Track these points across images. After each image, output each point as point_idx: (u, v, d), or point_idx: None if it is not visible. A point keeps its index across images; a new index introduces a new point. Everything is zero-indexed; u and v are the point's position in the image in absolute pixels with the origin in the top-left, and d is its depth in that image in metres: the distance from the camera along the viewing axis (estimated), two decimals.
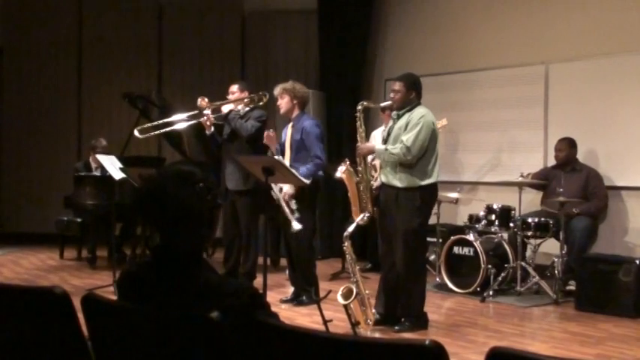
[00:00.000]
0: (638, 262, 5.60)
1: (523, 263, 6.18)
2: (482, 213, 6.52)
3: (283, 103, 5.82)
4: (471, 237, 6.36)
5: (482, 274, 6.18)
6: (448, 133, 7.74)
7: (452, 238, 6.53)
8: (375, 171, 6.37)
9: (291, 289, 6.03)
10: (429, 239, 6.55)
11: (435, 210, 6.33)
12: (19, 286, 2.35)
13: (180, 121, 6.34)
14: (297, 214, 5.06)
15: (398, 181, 4.98)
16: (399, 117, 5.09)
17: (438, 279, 6.67)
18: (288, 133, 5.85)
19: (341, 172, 5.12)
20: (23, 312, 2.13)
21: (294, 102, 5.82)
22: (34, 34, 9.93)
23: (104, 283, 6.30)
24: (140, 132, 6.30)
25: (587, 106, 6.96)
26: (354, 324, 4.63)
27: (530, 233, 6.27)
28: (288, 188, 5.55)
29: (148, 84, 9.59)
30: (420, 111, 5.00)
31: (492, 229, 6.46)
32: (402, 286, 5.01)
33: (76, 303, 2.01)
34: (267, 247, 7.03)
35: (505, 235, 6.52)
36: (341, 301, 4.60)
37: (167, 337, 1.87)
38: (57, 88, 9.98)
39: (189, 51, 9.83)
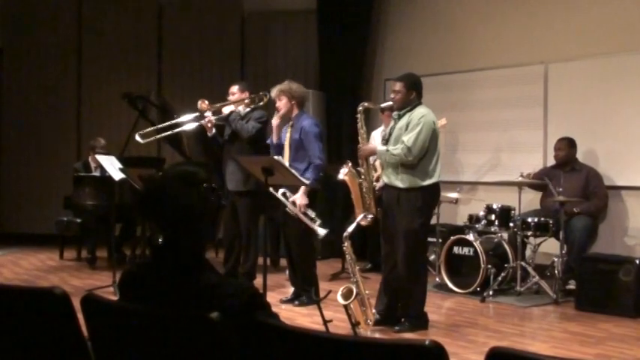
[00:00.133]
0: (638, 261, 5.60)
1: (523, 263, 6.18)
2: (482, 213, 6.52)
3: (282, 104, 5.82)
4: (470, 237, 6.37)
5: (482, 274, 6.18)
6: (448, 133, 7.75)
7: (452, 238, 6.53)
8: (375, 171, 6.37)
9: (291, 290, 6.04)
10: (429, 239, 6.56)
11: (434, 210, 6.33)
12: (19, 286, 2.35)
13: (181, 124, 6.32)
14: (318, 221, 5.03)
15: (400, 181, 4.98)
16: (399, 117, 5.09)
17: (437, 279, 6.67)
18: (287, 132, 5.85)
19: (343, 174, 5.12)
20: (23, 313, 2.13)
21: (292, 102, 5.82)
22: (34, 34, 9.93)
23: (104, 284, 6.30)
24: (142, 137, 6.29)
25: (586, 106, 6.96)
26: (354, 324, 4.63)
27: (530, 233, 6.27)
28: (300, 199, 5.53)
29: (147, 84, 9.58)
30: (420, 111, 5.00)
31: (492, 229, 6.46)
32: (403, 286, 5.01)
33: (76, 303, 2.01)
34: (267, 247, 7.03)
35: (505, 235, 6.52)
36: (341, 301, 4.60)
37: (167, 337, 1.87)
38: (56, 88, 9.98)
39: (189, 51, 9.84)
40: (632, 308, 5.52)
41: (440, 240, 6.84)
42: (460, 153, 8.03)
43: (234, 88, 6.39)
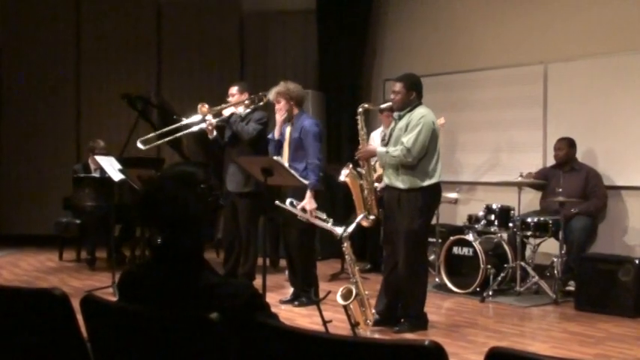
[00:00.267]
0: (637, 261, 5.60)
1: (522, 263, 6.17)
2: (481, 213, 6.52)
3: (281, 107, 5.81)
4: (470, 237, 6.37)
5: (481, 274, 6.18)
6: (447, 133, 7.74)
7: (451, 238, 6.53)
8: (375, 171, 6.37)
9: (290, 290, 6.03)
10: (428, 239, 6.57)
11: (435, 210, 6.32)
12: (19, 287, 2.35)
13: (182, 128, 6.31)
14: (331, 220, 5.02)
15: (400, 182, 4.98)
16: (400, 118, 5.09)
17: (437, 279, 6.67)
18: (287, 132, 5.84)
19: (344, 175, 5.12)
20: (22, 314, 2.13)
21: (291, 103, 5.82)
22: (33, 34, 9.92)
23: (103, 285, 6.29)
24: (143, 143, 6.28)
25: (586, 106, 6.96)
26: (354, 325, 4.63)
27: (529, 233, 6.27)
28: (308, 204, 5.51)
29: (147, 84, 9.58)
30: (420, 111, 5.00)
31: (492, 229, 6.46)
32: (403, 286, 5.01)
33: (76, 304, 2.01)
34: (267, 248, 7.03)
35: (504, 235, 6.52)
36: (340, 301, 4.60)
37: (167, 338, 1.87)
38: (56, 88, 9.98)
39: (188, 51, 9.84)
40: (631, 308, 5.52)
41: (439, 240, 6.84)
42: (459, 153, 8.03)
43: (234, 89, 6.38)
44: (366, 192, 5.19)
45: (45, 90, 9.96)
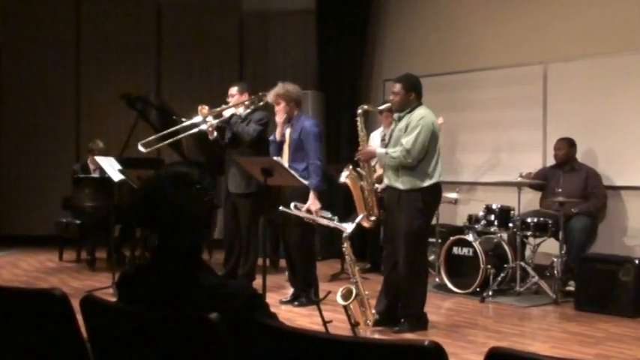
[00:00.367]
0: (637, 261, 5.60)
1: (522, 263, 6.17)
2: (481, 213, 6.51)
3: (281, 109, 5.80)
4: (470, 237, 6.36)
5: (481, 274, 6.18)
6: (447, 134, 7.73)
7: (451, 238, 6.53)
8: (375, 172, 6.36)
9: (290, 290, 6.03)
10: (428, 239, 6.56)
11: (436, 210, 6.32)
12: (18, 288, 2.35)
13: (183, 130, 6.30)
14: (336, 218, 5.02)
15: (400, 183, 4.98)
16: (399, 119, 5.09)
17: (437, 279, 6.67)
18: (287, 132, 5.84)
19: (344, 177, 5.12)
20: (22, 314, 2.13)
21: (291, 104, 5.82)
22: (33, 34, 9.92)
23: (103, 285, 6.29)
24: (144, 146, 6.27)
25: (585, 106, 6.96)
26: (354, 325, 4.63)
27: (529, 233, 6.27)
28: (313, 205, 5.50)
29: (146, 84, 9.58)
30: (419, 112, 4.99)
31: (491, 230, 6.46)
32: (403, 286, 5.01)
33: (75, 305, 2.01)
34: (267, 248, 7.03)
35: (504, 236, 6.52)
36: (340, 302, 4.60)
37: (166, 338, 1.87)
38: (55, 88, 9.97)
39: (188, 51, 9.83)
40: (631, 308, 5.52)
41: (439, 240, 6.84)
42: (459, 153, 8.03)
43: (234, 90, 6.38)
44: (366, 193, 5.19)
45: (45, 90, 9.96)
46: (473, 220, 6.59)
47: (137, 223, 6.59)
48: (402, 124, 5.02)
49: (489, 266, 6.23)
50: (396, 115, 5.18)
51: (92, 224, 7.82)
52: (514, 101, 7.51)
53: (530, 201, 6.92)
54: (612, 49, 6.79)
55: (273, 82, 6.09)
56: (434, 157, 4.98)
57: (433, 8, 8.36)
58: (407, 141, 4.89)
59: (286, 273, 6.27)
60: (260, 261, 6.12)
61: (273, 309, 2.08)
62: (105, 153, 7.72)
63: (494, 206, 6.45)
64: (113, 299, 2.15)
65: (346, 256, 4.90)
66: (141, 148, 6.27)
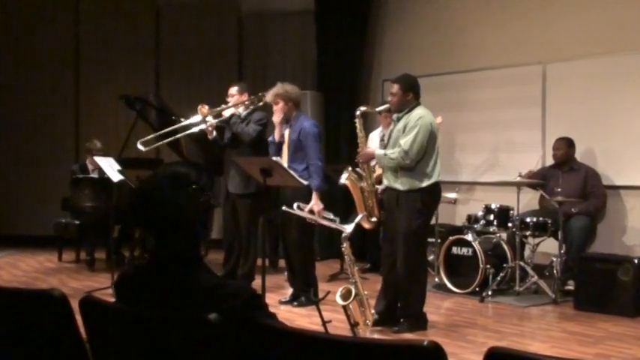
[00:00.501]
0: (636, 261, 5.60)
1: (522, 263, 6.18)
2: (480, 213, 6.52)
3: (279, 108, 5.80)
4: (469, 237, 6.37)
5: (480, 274, 6.18)
6: (446, 134, 7.73)
7: (450, 238, 6.53)
8: (374, 172, 6.36)
9: (289, 291, 6.03)
10: (427, 239, 6.56)
11: (435, 210, 6.32)
12: (18, 288, 2.35)
13: (182, 129, 6.30)
14: (338, 219, 5.02)
15: (399, 184, 4.98)
16: (398, 119, 5.09)
17: (436, 279, 6.67)
18: (285, 133, 5.84)
19: (344, 178, 5.12)
20: (22, 315, 2.12)
21: (289, 104, 5.82)
22: (32, 35, 9.92)
23: (102, 286, 6.29)
24: (143, 145, 6.27)
25: (584, 106, 6.96)
26: (353, 325, 4.63)
27: (528, 233, 6.28)
28: (316, 206, 5.50)
29: (145, 85, 9.58)
30: (417, 113, 4.99)
31: (491, 229, 6.46)
32: (402, 286, 5.01)
33: (75, 305, 2.01)
34: (266, 248, 7.03)
35: (504, 235, 6.52)
36: (340, 302, 4.60)
37: (165, 339, 1.87)
38: (54, 89, 9.97)
39: (187, 52, 9.83)
40: (630, 308, 5.52)
41: (439, 240, 6.84)
42: (458, 153, 8.03)
43: (233, 90, 6.38)
44: (366, 194, 5.19)
45: (44, 90, 9.96)
46: (472, 219, 6.59)
47: (134, 223, 6.58)
48: (401, 124, 5.03)
49: (489, 266, 6.23)
50: (394, 116, 5.18)
51: (91, 225, 7.82)
52: (513, 101, 7.51)
53: (529, 201, 6.92)
54: (611, 49, 6.79)
55: (272, 83, 6.09)
56: (432, 157, 4.98)
57: (432, 8, 8.37)
58: (405, 142, 4.89)
59: (285, 273, 6.27)
60: (259, 261, 6.12)
61: (272, 309, 2.08)
62: (103, 153, 7.72)
63: (493, 206, 6.45)
64: (112, 300, 2.15)
65: (345, 256, 4.90)
66: (140, 147, 6.27)
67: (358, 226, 4.94)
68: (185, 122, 6.28)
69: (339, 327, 4.79)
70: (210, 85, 9.33)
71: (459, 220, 7.30)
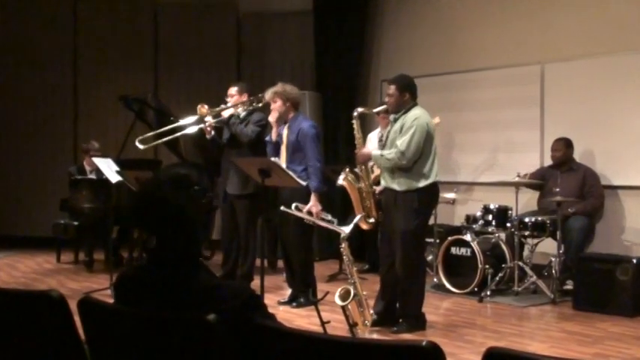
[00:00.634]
0: (635, 261, 5.60)
1: (520, 263, 6.18)
2: (479, 213, 6.52)
3: (276, 107, 5.81)
4: (468, 237, 6.37)
5: (479, 274, 6.18)
6: (445, 134, 7.75)
7: (449, 238, 6.53)
8: (373, 172, 6.37)
9: (288, 291, 6.03)
10: (426, 240, 6.56)
11: (433, 211, 6.33)
12: (16, 290, 2.35)
13: (181, 128, 6.30)
14: (336, 220, 5.01)
15: (397, 184, 4.99)
16: (395, 120, 5.10)
17: (435, 279, 6.67)
18: (284, 134, 5.84)
19: (342, 179, 5.13)
20: (20, 316, 2.12)
21: (287, 104, 5.82)
22: (30, 35, 9.91)
23: (101, 287, 6.29)
24: (142, 142, 6.26)
25: (583, 106, 6.97)
26: (352, 325, 4.63)
27: (527, 233, 6.28)
28: (314, 207, 5.49)
29: (144, 85, 9.57)
30: (414, 113, 5.00)
31: (489, 230, 6.46)
32: (401, 287, 5.02)
33: (73, 306, 2.01)
34: (265, 249, 7.02)
35: (502, 235, 6.52)
36: (338, 302, 4.60)
37: (164, 339, 1.87)
38: (53, 89, 9.97)
39: (186, 53, 9.83)
40: (629, 307, 5.52)
41: (437, 240, 6.84)
42: (457, 153, 8.04)
43: (233, 90, 6.37)
44: (364, 195, 5.19)
45: (42, 91, 9.95)
46: (471, 220, 6.59)
47: (136, 224, 6.58)
48: (397, 125, 5.04)
49: (487, 266, 6.23)
50: (391, 117, 5.19)
51: (90, 226, 7.81)
52: (512, 101, 7.51)
53: (528, 201, 6.93)
54: (610, 49, 6.79)
55: (270, 83, 6.09)
56: (429, 157, 4.98)
57: (431, 9, 8.37)
58: (401, 142, 4.90)
59: (284, 274, 6.27)
60: (258, 262, 6.12)
61: (271, 310, 2.08)
62: (101, 154, 7.72)
63: (492, 206, 6.46)
64: (111, 301, 2.15)
65: (344, 257, 4.90)
66: (138, 145, 6.27)
67: (356, 226, 4.95)
68: (183, 121, 6.27)
69: (338, 327, 4.79)
70: (208, 86, 9.34)
71: (458, 221, 7.30)
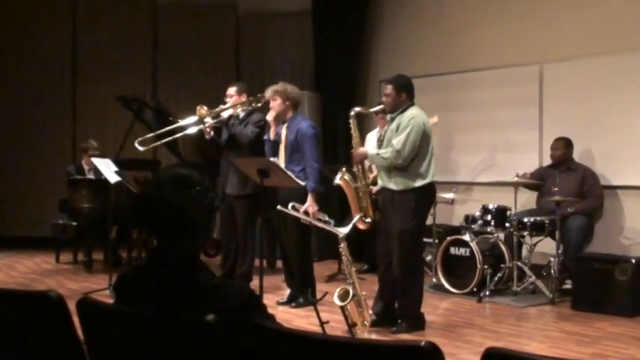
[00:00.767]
0: (633, 261, 5.61)
1: (519, 263, 6.18)
2: (478, 213, 6.52)
3: (276, 105, 5.81)
4: (467, 237, 6.37)
5: (478, 274, 6.18)
6: (443, 134, 7.76)
7: (448, 238, 6.54)
8: (371, 172, 6.37)
9: (287, 291, 6.03)
10: (425, 240, 6.57)
11: (430, 210, 6.33)
12: (15, 290, 2.35)
13: (180, 129, 6.29)
14: (332, 221, 5.01)
15: (393, 184, 4.99)
16: (392, 120, 5.11)
17: (434, 279, 6.67)
18: (282, 134, 5.84)
19: (338, 179, 5.13)
20: (19, 316, 2.12)
21: (287, 103, 5.82)
22: (29, 36, 9.90)
23: (100, 287, 6.28)
24: (141, 144, 6.26)
25: (582, 106, 6.97)
26: (351, 325, 4.63)
27: (526, 233, 6.28)
28: (311, 207, 5.49)
29: (143, 86, 9.57)
30: (410, 113, 5.01)
31: (488, 230, 6.47)
32: (399, 287, 5.02)
33: (72, 306, 2.01)
34: (264, 249, 7.03)
35: (501, 235, 6.53)
36: (337, 302, 4.60)
37: (163, 340, 1.87)
38: (52, 90, 9.95)
39: (184, 53, 9.83)
40: (628, 307, 5.52)
41: (436, 240, 6.84)
42: (456, 153, 8.04)
43: (232, 90, 6.36)
44: (361, 194, 5.19)
45: (41, 91, 9.94)
46: (469, 220, 6.60)
47: (137, 225, 6.58)
48: (394, 124, 5.05)
49: (486, 266, 6.23)
50: (388, 116, 5.21)
51: (89, 226, 7.81)
52: (511, 101, 7.52)
53: (526, 201, 6.93)
54: (608, 49, 6.80)
55: (270, 83, 6.09)
56: (426, 157, 4.98)
57: (430, 9, 8.37)
58: (397, 142, 4.91)
59: (283, 274, 6.27)
60: (257, 262, 6.12)
61: (270, 310, 2.08)
62: (100, 153, 7.71)
63: (490, 206, 6.46)
64: (110, 301, 2.15)
65: (343, 257, 4.90)
66: (138, 146, 6.27)
67: (354, 226, 4.95)
68: (183, 122, 6.27)
69: (337, 328, 4.79)
70: (207, 86, 9.34)
71: (457, 221, 7.30)
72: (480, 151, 7.81)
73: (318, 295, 5.37)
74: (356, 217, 4.99)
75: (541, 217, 6.26)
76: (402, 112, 5.04)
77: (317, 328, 4.28)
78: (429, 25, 8.35)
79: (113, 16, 9.93)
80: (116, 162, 6.63)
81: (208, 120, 6.15)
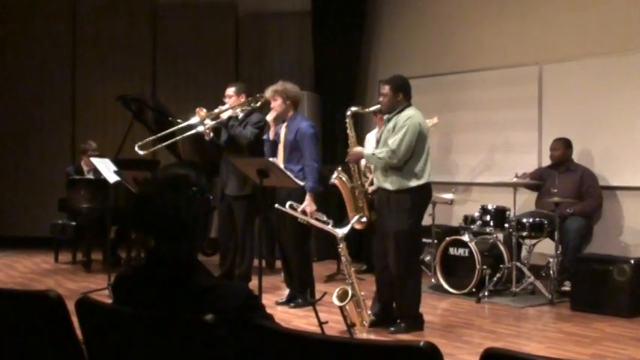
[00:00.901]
0: (632, 261, 5.61)
1: (518, 264, 6.19)
2: (477, 214, 6.52)
3: (276, 105, 5.81)
4: (466, 238, 6.37)
5: (477, 274, 6.19)
6: (442, 134, 7.76)
7: (447, 239, 6.54)
8: (370, 172, 6.38)
9: (286, 291, 6.03)
10: (424, 240, 6.58)
11: (429, 211, 6.34)
12: (14, 290, 2.35)
13: (179, 132, 6.29)
14: (331, 221, 5.01)
15: (389, 184, 5.00)
16: (389, 120, 5.12)
17: (433, 280, 6.67)
18: (281, 133, 5.84)
19: (334, 178, 5.13)
20: (18, 316, 2.12)
21: (287, 102, 5.82)
22: (29, 36, 9.90)
23: (99, 287, 6.28)
24: (141, 148, 6.25)
25: (581, 106, 6.98)
26: (350, 326, 4.63)
27: (525, 234, 6.28)
28: (309, 207, 5.50)
29: (142, 86, 9.57)
30: (407, 113, 5.02)
31: (487, 230, 6.47)
32: (396, 287, 5.02)
33: (71, 306, 2.01)
34: (263, 249, 7.02)
35: (500, 236, 6.53)
36: (336, 302, 4.60)
37: (162, 340, 1.87)
38: (51, 89, 9.95)
39: (184, 53, 9.83)
40: (626, 308, 5.53)
41: (435, 241, 6.85)
42: (455, 154, 8.04)
43: (231, 90, 6.35)
44: (357, 194, 5.20)
45: (41, 91, 9.94)
46: (468, 220, 6.60)
47: (134, 226, 6.58)
48: (390, 124, 5.06)
49: (485, 267, 6.23)
50: (385, 117, 5.22)
51: (88, 226, 7.81)
52: (510, 102, 7.52)
53: (525, 201, 6.93)
54: (607, 50, 6.80)
55: (268, 84, 6.08)
56: (422, 157, 4.99)
57: (428, 10, 8.38)
58: (393, 141, 4.92)
59: (282, 274, 6.27)
60: (256, 262, 6.13)
61: (269, 310, 2.08)
62: (99, 154, 7.71)
63: (489, 207, 6.46)
64: (109, 301, 2.15)
65: (342, 257, 4.90)
66: (138, 151, 6.26)
67: (352, 226, 4.94)
68: (182, 124, 6.26)
69: (336, 328, 4.80)
70: (207, 86, 9.34)
71: (456, 221, 7.31)
72: (479, 151, 7.81)
73: (317, 296, 5.36)
74: (355, 218, 4.99)
75: (540, 218, 6.26)
76: (399, 112, 5.05)
77: (316, 329, 4.28)
78: (428, 26, 8.36)
79: (113, 16, 9.93)
80: (115, 162, 6.62)
81: (207, 122, 6.14)
